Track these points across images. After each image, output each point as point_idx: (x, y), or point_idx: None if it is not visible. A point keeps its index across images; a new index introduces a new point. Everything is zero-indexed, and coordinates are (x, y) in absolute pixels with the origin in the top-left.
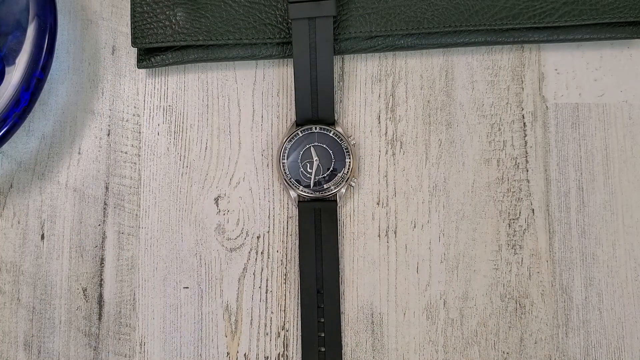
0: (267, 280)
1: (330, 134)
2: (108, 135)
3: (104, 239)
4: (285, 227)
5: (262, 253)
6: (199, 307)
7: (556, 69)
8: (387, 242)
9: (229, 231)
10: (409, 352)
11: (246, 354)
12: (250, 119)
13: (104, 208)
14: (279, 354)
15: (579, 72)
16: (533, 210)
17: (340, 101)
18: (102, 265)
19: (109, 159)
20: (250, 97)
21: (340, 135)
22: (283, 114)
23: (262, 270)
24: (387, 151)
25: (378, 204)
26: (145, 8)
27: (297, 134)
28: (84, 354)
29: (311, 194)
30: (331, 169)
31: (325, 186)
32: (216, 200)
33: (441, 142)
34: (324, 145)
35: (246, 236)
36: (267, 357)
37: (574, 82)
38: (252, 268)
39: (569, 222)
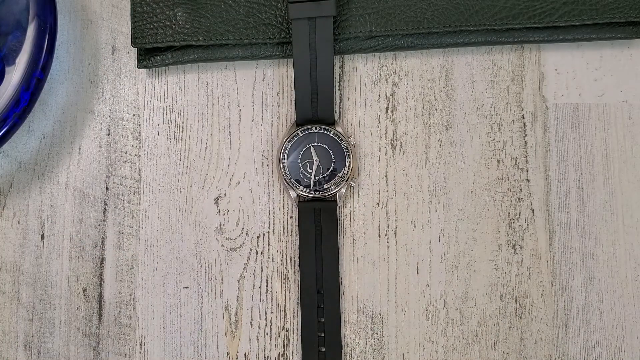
0: (267, 280)
1: (330, 134)
2: (108, 135)
3: (104, 239)
4: (285, 227)
5: (262, 253)
6: (199, 307)
7: (556, 69)
8: (387, 242)
9: (229, 231)
10: (409, 352)
11: (246, 354)
12: (250, 119)
13: (104, 208)
14: (279, 354)
15: (579, 72)
16: (533, 210)
17: (340, 101)
18: (102, 265)
19: (109, 159)
20: (250, 97)
21: (340, 135)
22: (283, 114)
23: (262, 270)
24: (387, 151)
25: (378, 204)
26: (145, 8)
27: (297, 134)
28: (84, 354)
29: (311, 194)
30: (331, 169)
31: (325, 186)
32: (216, 200)
33: (441, 142)
34: (324, 145)
35: (246, 236)
36: (267, 357)
37: (574, 82)
38: (252, 268)
39: (569, 222)
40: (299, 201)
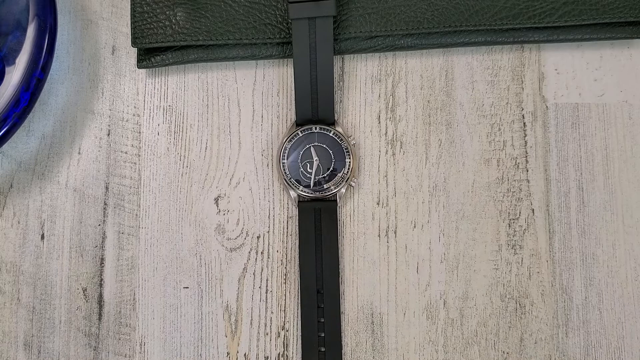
0: (267, 280)
1: (330, 134)
2: (108, 135)
3: (104, 239)
4: (285, 227)
5: (262, 253)
6: (199, 307)
7: (556, 69)
8: (387, 242)
9: (229, 231)
10: (409, 352)
11: (246, 354)
12: (250, 119)
13: (104, 208)
14: (279, 354)
15: (579, 72)
16: (533, 210)
17: (340, 101)
18: (102, 265)
19: (109, 159)
20: (250, 97)
21: (340, 135)
22: (283, 114)
23: (262, 270)
24: (387, 151)
25: (378, 204)
26: (145, 8)
27: (297, 134)
28: (84, 354)
29: (311, 194)
30: (331, 169)
31: (325, 186)
32: (216, 200)
33: (441, 142)
34: (324, 145)
35: (246, 236)
36: (267, 357)
37: (574, 82)
38: (252, 268)
39: (569, 222)
40: (299, 201)
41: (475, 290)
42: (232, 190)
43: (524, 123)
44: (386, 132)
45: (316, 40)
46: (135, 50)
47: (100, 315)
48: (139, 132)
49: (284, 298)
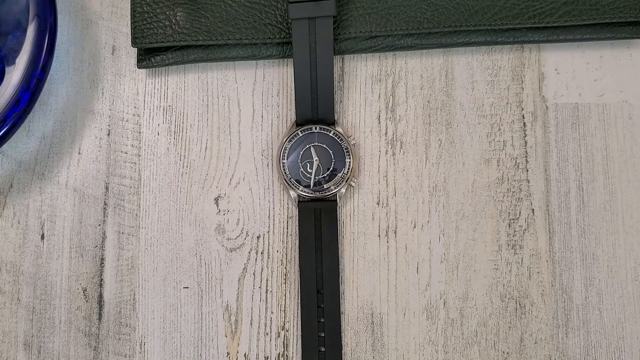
0: (267, 280)
1: (330, 134)
2: (108, 135)
3: (104, 239)
4: (285, 227)
5: (262, 253)
6: (199, 307)
7: (556, 69)
8: (387, 242)
9: (229, 231)
10: (409, 352)
11: (246, 354)
12: (250, 119)
13: (104, 208)
14: (279, 354)
15: (579, 72)
16: (533, 210)
17: (340, 101)
18: (102, 265)
19: (109, 159)
20: (250, 97)
21: (340, 135)
22: (283, 114)
23: (262, 270)
24: (387, 151)
25: (378, 204)
26: (145, 8)
27: (297, 134)
28: (84, 354)
29: (311, 194)
30: (331, 169)
31: (325, 186)
32: (216, 200)
33: (441, 142)
34: (324, 145)
35: (246, 236)
36: (267, 357)
37: (574, 82)
38: (252, 268)
39: (569, 222)
40: (299, 201)
41: (475, 290)
42: (232, 190)
43: (524, 123)
44: (386, 132)
45: (316, 40)
46: (135, 50)
47: (100, 315)
48: (139, 132)
49: (284, 298)
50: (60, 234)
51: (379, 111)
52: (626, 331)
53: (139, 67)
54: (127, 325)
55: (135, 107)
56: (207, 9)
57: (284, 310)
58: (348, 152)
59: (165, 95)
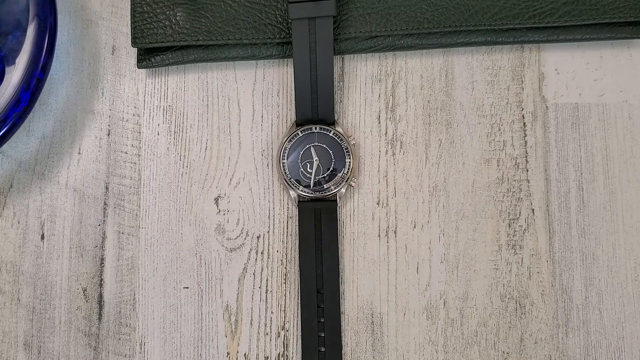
0: (267, 280)
1: (330, 134)
2: (108, 135)
3: (104, 239)
4: (285, 227)
5: (262, 253)
6: (199, 307)
7: (556, 69)
8: (387, 242)
9: (229, 231)
10: (409, 352)
11: (246, 354)
12: (250, 119)
13: (104, 208)
14: (279, 354)
15: (579, 72)
16: (533, 210)
17: (340, 101)
18: (102, 265)
19: (109, 159)
20: (250, 97)
21: (340, 135)
22: (283, 114)
23: (262, 270)
24: (387, 151)
25: (378, 204)
26: (145, 8)
27: (297, 134)
28: (84, 354)
29: (311, 194)
30: (331, 169)
31: (325, 186)
32: (216, 200)
33: (441, 142)
34: (324, 145)
35: (246, 236)
36: (267, 357)
37: (574, 82)
38: (252, 268)
39: (569, 222)
40: (299, 201)
41: (475, 290)
42: (232, 190)
43: (524, 123)
44: (386, 132)
45: (316, 40)
46: (135, 50)
47: (100, 315)
48: (139, 132)
49: (284, 298)
50: (60, 234)
51: (379, 111)
52: (626, 331)
53: (139, 67)
54: (127, 325)
55: (135, 107)
56: (207, 9)
57: (284, 310)
58: (348, 152)
59: (165, 95)
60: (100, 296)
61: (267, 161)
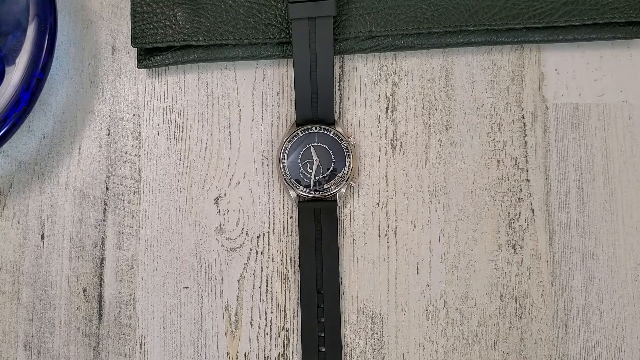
0: (267, 280)
1: (330, 134)
2: (108, 135)
3: (104, 239)
4: (285, 227)
5: (262, 253)
6: (199, 307)
7: (556, 69)
8: (387, 242)
9: (229, 231)
10: (409, 352)
11: (246, 354)
12: (250, 119)
13: (104, 208)
14: (279, 354)
15: (579, 72)
16: (533, 210)
17: (340, 101)
18: (102, 265)
19: (109, 159)
20: (250, 97)
21: (340, 135)
22: (283, 114)
23: (262, 270)
24: (387, 151)
25: (378, 204)
26: (145, 8)
27: (297, 134)
28: (84, 354)
29: (311, 194)
30: (331, 169)
31: (325, 186)
32: (216, 200)
33: (441, 142)
34: (324, 145)
35: (246, 236)
36: (267, 357)
37: (574, 82)
38: (252, 268)
39: (569, 222)
40: (299, 201)
41: (475, 290)
42: (232, 190)
43: (524, 123)
44: (386, 132)
45: (316, 40)
46: (135, 50)
47: (100, 315)
48: (139, 132)
49: (284, 298)
50: (60, 234)
51: (379, 111)
52: (626, 331)
53: (139, 67)
54: (127, 325)
55: (135, 107)
56: (207, 9)
57: (284, 310)
58: (348, 152)
59: (165, 95)
60: (100, 296)
61: (267, 161)
